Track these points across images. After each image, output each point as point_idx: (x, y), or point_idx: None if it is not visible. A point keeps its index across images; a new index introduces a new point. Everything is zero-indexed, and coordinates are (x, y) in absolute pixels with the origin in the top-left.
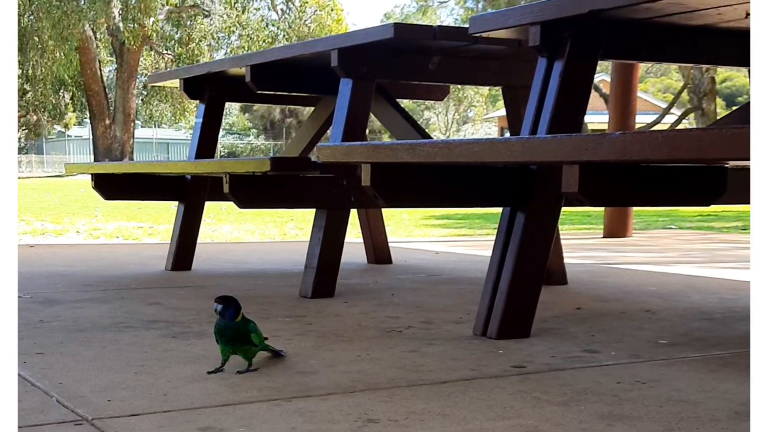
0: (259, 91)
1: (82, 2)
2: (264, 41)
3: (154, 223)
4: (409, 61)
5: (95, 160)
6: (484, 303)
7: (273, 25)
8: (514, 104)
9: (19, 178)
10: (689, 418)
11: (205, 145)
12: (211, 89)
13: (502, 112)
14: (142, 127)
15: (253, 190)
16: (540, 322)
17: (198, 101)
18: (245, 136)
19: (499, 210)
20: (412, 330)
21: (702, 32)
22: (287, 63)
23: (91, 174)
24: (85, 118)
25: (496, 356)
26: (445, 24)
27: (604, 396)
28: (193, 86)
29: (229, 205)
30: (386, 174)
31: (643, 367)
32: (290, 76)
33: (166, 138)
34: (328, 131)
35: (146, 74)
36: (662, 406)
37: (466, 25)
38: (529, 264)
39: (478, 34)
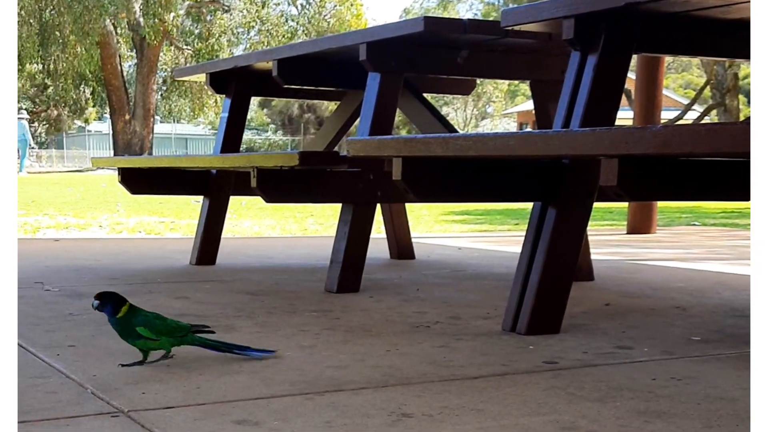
0: (286, 86)
1: None
2: (283, 36)
3: (175, 217)
4: (438, 55)
5: (115, 155)
6: (513, 298)
7: (292, 20)
8: (542, 99)
9: (40, 172)
10: (728, 416)
11: (231, 140)
12: (236, 84)
13: (521, 107)
14: (161, 122)
15: (280, 185)
16: (569, 318)
17: (223, 96)
18: (263, 131)
19: (520, 205)
20: (440, 325)
21: (739, 26)
22: (314, 57)
23: (118, 168)
24: (105, 113)
25: (526, 352)
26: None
27: (640, 392)
28: (219, 81)
29: (249, 200)
30: (417, 168)
31: (677, 363)
32: (317, 71)
33: (184, 133)
34: (353, 126)
35: (166, 69)
36: (700, 403)
37: (487, 19)
38: (559, 259)
39: (510, 28)
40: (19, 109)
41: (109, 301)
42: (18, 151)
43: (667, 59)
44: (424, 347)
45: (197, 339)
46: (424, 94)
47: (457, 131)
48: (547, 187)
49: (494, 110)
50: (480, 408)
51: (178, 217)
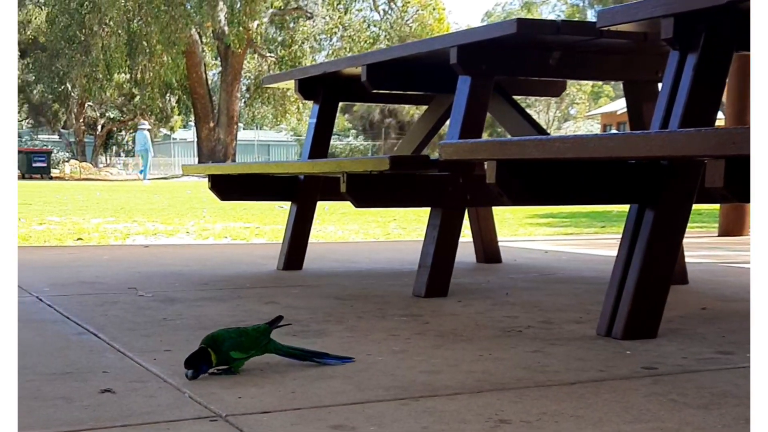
0: (374, 90)
1: (189, 6)
2: (365, 42)
3: (259, 223)
4: (529, 57)
5: (199, 162)
6: (608, 302)
7: (374, 25)
8: (636, 99)
9: (127, 180)
10: None
11: (319, 145)
12: (325, 89)
13: (605, 109)
14: (244, 129)
15: (370, 190)
16: (665, 322)
17: (306, 102)
18: (344, 136)
19: (606, 208)
20: (532, 330)
21: None
22: (403, 61)
23: (208, 175)
24: (190, 121)
25: (624, 357)
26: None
27: (745, 399)
28: (307, 87)
29: (332, 205)
30: (512, 171)
31: None
32: (405, 75)
33: (267, 140)
34: (440, 130)
35: (249, 77)
36: None
37: (580, 20)
38: (657, 263)
39: (605, 28)
40: (141, 120)
41: (198, 362)
42: (141, 159)
43: None
44: (517, 352)
45: (278, 348)
46: (513, 96)
47: (547, 133)
48: (645, 189)
49: (577, 112)
50: (579, 414)
51: (263, 222)
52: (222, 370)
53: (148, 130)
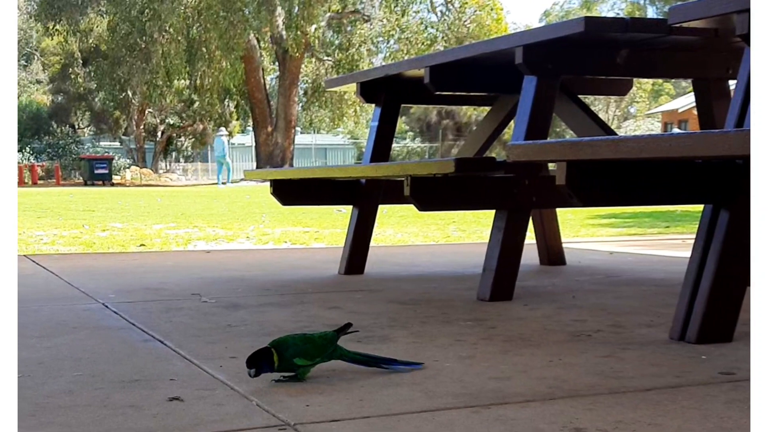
0: (437, 92)
1: (248, 12)
2: (422, 44)
3: (318, 227)
4: (596, 55)
5: (257, 167)
6: (682, 305)
7: (432, 27)
8: (705, 97)
9: (186, 185)
10: None
11: (381, 148)
12: (387, 92)
13: (665, 107)
14: (301, 133)
15: (434, 192)
16: (740, 326)
17: (364, 105)
18: (401, 139)
19: (669, 208)
20: (601, 334)
21: None
22: (466, 63)
23: (270, 180)
24: (248, 125)
25: (699, 362)
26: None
27: None
28: (369, 90)
29: (390, 208)
30: (583, 172)
31: None
32: (469, 76)
33: (324, 143)
34: (503, 131)
35: (306, 81)
36: None
37: (649, 17)
38: (732, 264)
39: (678, 25)
40: (219, 127)
41: (261, 361)
42: (218, 165)
43: None
44: (588, 357)
45: (345, 354)
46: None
47: (615, 133)
48: (720, 189)
49: (637, 110)
50: (657, 422)
51: (321, 226)
52: (288, 377)
53: (226, 136)
